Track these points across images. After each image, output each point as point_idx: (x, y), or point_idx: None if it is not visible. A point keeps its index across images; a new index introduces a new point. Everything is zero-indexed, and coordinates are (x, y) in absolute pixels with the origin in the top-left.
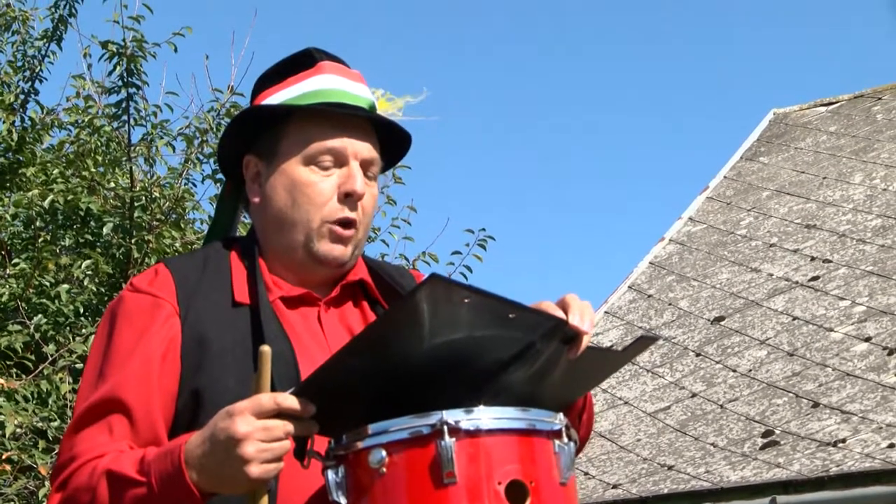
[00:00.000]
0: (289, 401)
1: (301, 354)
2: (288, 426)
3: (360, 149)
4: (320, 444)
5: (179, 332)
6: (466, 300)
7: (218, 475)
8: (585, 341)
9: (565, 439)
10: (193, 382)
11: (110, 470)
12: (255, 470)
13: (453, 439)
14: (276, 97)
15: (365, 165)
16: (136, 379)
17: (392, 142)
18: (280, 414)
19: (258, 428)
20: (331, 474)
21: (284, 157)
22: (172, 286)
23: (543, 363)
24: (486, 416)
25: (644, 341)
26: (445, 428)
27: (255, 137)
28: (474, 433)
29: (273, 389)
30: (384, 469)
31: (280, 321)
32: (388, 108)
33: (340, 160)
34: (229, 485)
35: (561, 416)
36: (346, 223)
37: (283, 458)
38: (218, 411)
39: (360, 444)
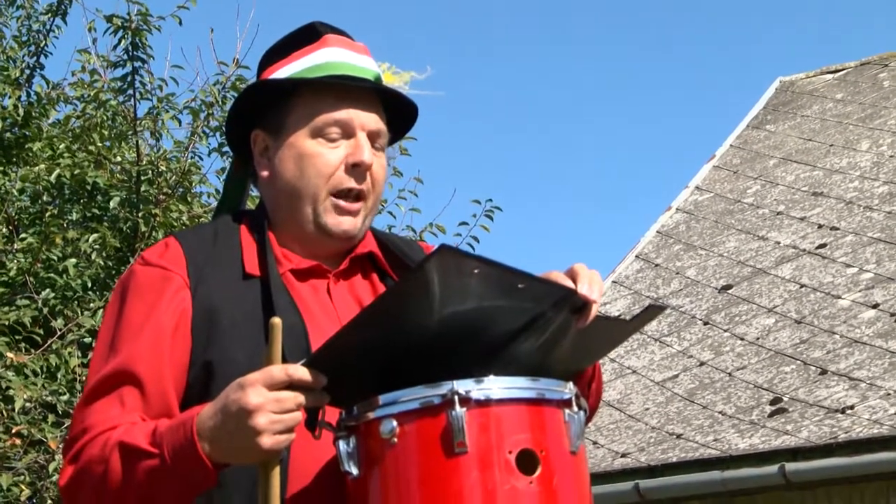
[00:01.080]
0: (300, 372)
1: (311, 326)
2: (299, 397)
3: (367, 120)
4: (331, 414)
5: (190, 305)
6: (476, 271)
7: (230, 446)
8: (594, 310)
9: (575, 408)
10: (204, 355)
11: (123, 442)
12: (266, 441)
13: (464, 409)
14: (282, 71)
15: (372, 137)
16: (147, 351)
17: (399, 114)
18: (291, 385)
19: (270, 399)
20: (342, 445)
21: (292, 131)
22: (183, 259)
23: (553, 333)
24: (496, 386)
25: (652, 310)
26: (456, 398)
27: (263, 112)
28: (485, 403)
29: (284, 361)
30: (395, 439)
31: (290, 293)
32: (394, 81)
33: (347, 131)
34: (241, 456)
35: (571, 385)
36: (354, 194)
37: (295, 429)
38: (229, 383)
39: (372, 415)
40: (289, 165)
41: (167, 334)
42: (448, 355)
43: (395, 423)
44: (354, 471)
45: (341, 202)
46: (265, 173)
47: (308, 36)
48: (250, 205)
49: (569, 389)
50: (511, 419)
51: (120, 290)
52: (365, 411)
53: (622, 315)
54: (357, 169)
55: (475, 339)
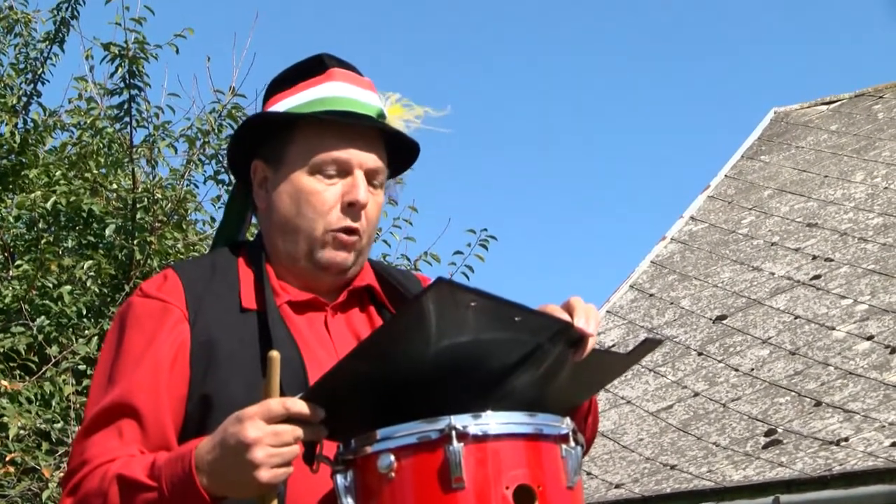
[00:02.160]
0: (298, 405)
1: (309, 359)
2: (297, 431)
3: (365, 159)
4: (329, 448)
5: (188, 337)
6: (472, 303)
7: (228, 480)
8: (591, 344)
9: (572, 443)
10: (202, 387)
11: (121, 474)
12: (264, 474)
13: (461, 444)
14: (285, 103)
15: (370, 175)
16: (146, 384)
17: (400, 149)
18: (289, 419)
19: (268, 433)
20: (340, 479)
21: (290, 165)
22: (181, 291)
23: (549, 366)
24: (493, 421)
25: (649, 344)
26: (454, 433)
27: (264, 143)
28: (482, 438)
29: (282, 394)
30: (393, 474)
31: (288, 326)
32: (401, 114)
33: (345, 169)
34: (239, 489)
35: (568, 420)
36: (349, 231)
37: (293, 463)
38: (227, 415)
39: (369, 449)
40: (285, 200)
41: (166, 366)
42: (445, 388)
43: (392, 457)
44: None
45: (339, 234)
46: (263, 205)
47: (314, 68)
48: (249, 236)
49: (566, 425)
50: (508, 454)
51: (118, 322)
52: (362, 445)
53: (616, 345)
54: (352, 209)
55: (472, 371)
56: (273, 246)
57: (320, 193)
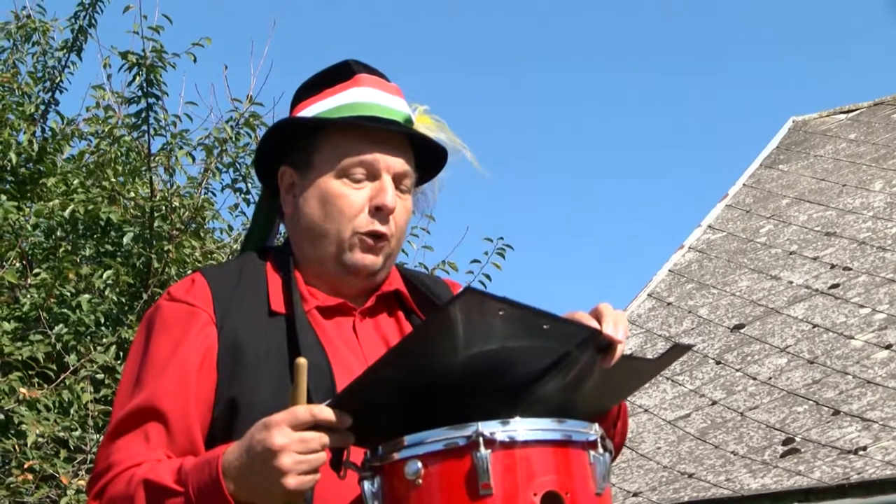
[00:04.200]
0: (325, 412)
1: (337, 365)
2: (324, 438)
3: (393, 163)
4: (356, 455)
5: (216, 341)
6: (500, 312)
7: (255, 486)
8: (619, 350)
9: (601, 450)
10: (229, 391)
11: (148, 479)
12: (291, 481)
13: (489, 451)
14: (313, 109)
15: (397, 179)
16: (172, 388)
17: (428, 155)
18: (316, 425)
19: (295, 440)
20: (367, 485)
21: (318, 170)
22: (209, 295)
23: (578, 373)
24: (521, 428)
25: (678, 349)
26: (481, 439)
27: (291, 148)
28: (510, 444)
29: (309, 401)
30: (420, 480)
31: (316, 331)
32: (428, 123)
33: (373, 173)
34: (266, 496)
35: (596, 426)
36: (377, 235)
37: (320, 470)
38: (254, 420)
39: (397, 456)
40: (313, 205)
41: (193, 370)
42: (473, 395)
43: (419, 464)
44: None
45: (367, 238)
46: (290, 210)
47: (341, 74)
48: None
49: (594, 431)
50: (536, 461)
51: (146, 326)
52: (390, 452)
53: (635, 353)
54: (380, 213)
55: (500, 379)
56: (301, 251)
57: (348, 197)
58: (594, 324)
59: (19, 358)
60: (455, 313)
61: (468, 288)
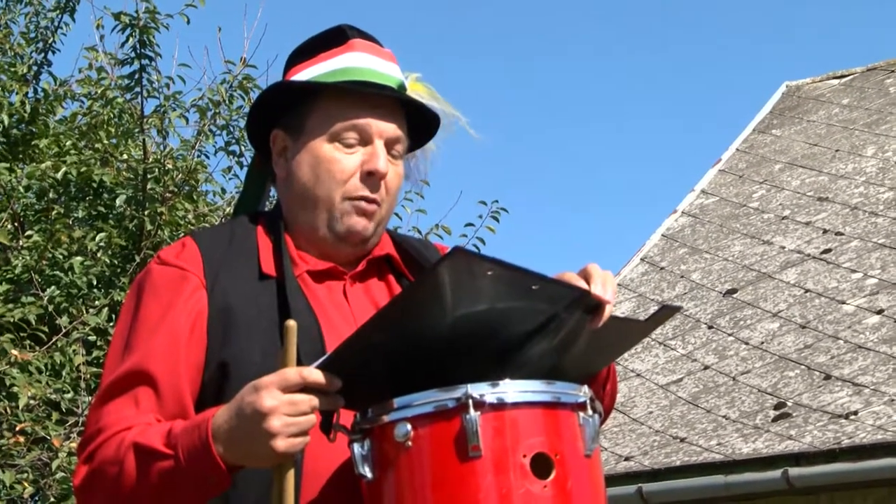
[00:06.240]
0: (314, 375)
1: (327, 328)
2: (314, 400)
3: (385, 128)
4: (346, 417)
5: (206, 305)
6: (489, 272)
7: (244, 449)
8: (608, 311)
9: (590, 411)
10: (220, 355)
11: (137, 443)
12: (281, 444)
13: (478, 413)
14: (306, 73)
15: (389, 144)
16: (162, 351)
17: (421, 122)
18: (306, 388)
19: (284, 402)
20: (356, 448)
21: (310, 134)
22: (199, 259)
23: (566, 334)
24: (511, 390)
25: (667, 310)
26: (470, 401)
27: (283, 112)
28: (499, 406)
29: (299, 363)
30: (410, 442)
31: (306, 295)
32: (420, 91)
33: (365, 138)
34: (255, 458)
35: (586, 388)
36: (368, 200)
37: (309, 432)
38: (244, 384)
39: (386, 418)
40: (305, 169)
41: (183, 334)
42: (462, 357)
43: (409, 426)
44: (369, 474)
45: (358, 202)
46: (282, 174)
47: (335, 39)
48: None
49: (584, 393)
50: (526, 423)
51: (136, 289)
52: (379, 414)
53: (629, 315)
54: (371, 178)
55: (489, 341)
56: (292, 215)
57: (339, 161)
58: (583, 284)
59: (11, 320)
60: (443, 274)
61: (456, 248)
